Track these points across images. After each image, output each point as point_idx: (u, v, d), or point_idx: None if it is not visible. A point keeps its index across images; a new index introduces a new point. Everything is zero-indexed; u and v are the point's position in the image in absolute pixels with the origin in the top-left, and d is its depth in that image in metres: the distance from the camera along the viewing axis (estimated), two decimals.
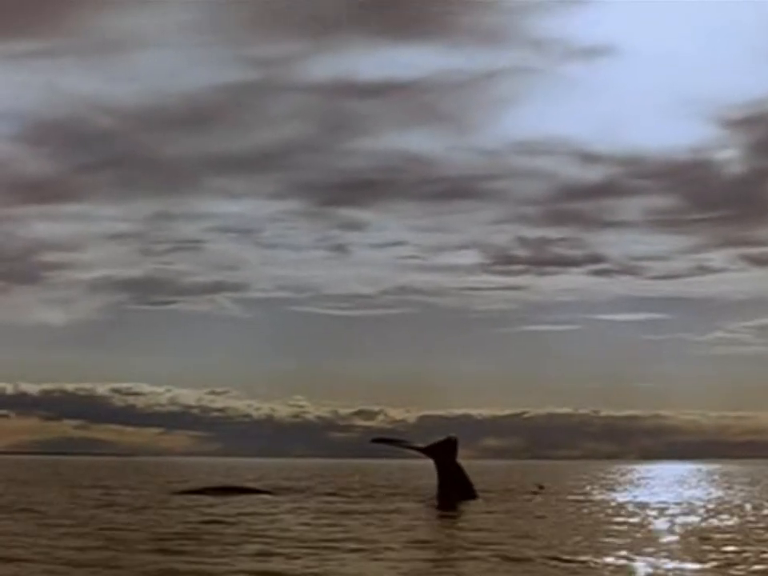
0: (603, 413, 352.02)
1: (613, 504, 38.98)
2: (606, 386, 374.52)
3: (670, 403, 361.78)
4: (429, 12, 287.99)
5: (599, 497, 45.29)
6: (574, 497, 44.61)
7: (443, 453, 41.78)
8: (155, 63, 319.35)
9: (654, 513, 32.94)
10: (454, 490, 41.34)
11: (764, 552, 20.42)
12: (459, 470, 42.03)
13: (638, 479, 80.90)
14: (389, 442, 45.67)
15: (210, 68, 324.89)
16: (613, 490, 54.75)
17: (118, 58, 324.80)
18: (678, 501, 41.64)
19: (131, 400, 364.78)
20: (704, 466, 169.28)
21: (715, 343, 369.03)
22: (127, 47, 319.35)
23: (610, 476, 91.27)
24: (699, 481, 76.50)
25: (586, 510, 34.31)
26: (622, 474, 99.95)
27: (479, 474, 78.76)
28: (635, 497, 45.47)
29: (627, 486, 61.16)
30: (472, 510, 34.12)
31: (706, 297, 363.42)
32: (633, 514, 32.15)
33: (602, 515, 31.92)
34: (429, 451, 42.38)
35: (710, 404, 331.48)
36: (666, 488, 58.91)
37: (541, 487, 53.11)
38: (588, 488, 56.15)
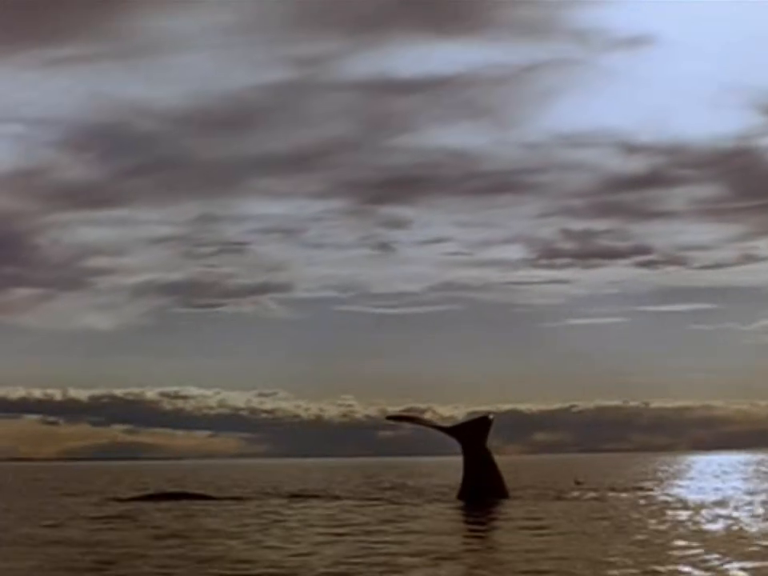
0: (653, 405, 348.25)
1: (671, 501, 36.15)
2: (655, 377, 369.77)
3: (720, 393, 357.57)
4: (469, 6, 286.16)
5: (654, 493, 42.50)
6: (625, 494, 41.73)
7: (471, 434, 37.80)
8: (196, 65, 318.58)
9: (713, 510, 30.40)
10: (482, 484, 37.80)
11: None
12: (489, 459, 38.10)
13: (692, 471, 78.28)
14: (406, 419, 42.01)
15: (251, 68, 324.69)
16: (668, 484, 52.04)
17: (159, 61, 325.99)
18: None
19: (180, 404, 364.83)
20: (755, 456, 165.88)
21: (763, 332, 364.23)
22: (168, 50, 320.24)
23: (663, 468, 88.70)
24: (756, 472, 73.64)
25: (636, 515, 31.26)
26: (672, 467, 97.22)
27: (516, 472, 76.37)
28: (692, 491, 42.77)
29: (683, 480, 58.55)
30: (502, 514, 31.46)
31: (753, 285, 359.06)
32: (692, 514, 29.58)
33: (658, 516, 29.29)
34: (455, 432, 38.51)
35: (760, 393, 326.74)
36: (720, 481, 56.26)
37: (578, 482, 50.67)
38: (642, 483, 53.34)
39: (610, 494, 41.08)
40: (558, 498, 38.17)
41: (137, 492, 45.91)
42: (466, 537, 23.54)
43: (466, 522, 28.94)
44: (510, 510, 32.20)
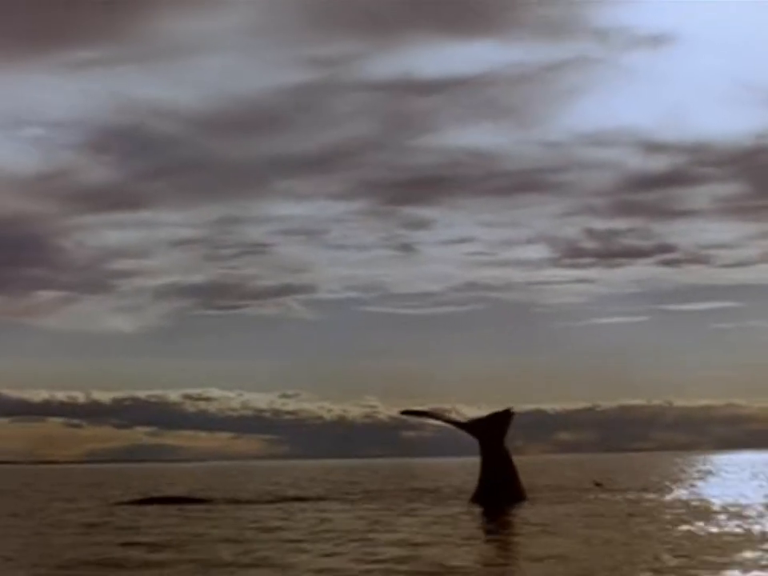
0: (676, 403, 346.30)
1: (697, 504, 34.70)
2: (678, 376, 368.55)
3: (744, 392, 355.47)
4: (489, 6, 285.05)
5: (673, 495, 41.19)
6: (645, 495, 40.44)
7: (490, 430, 36.24)
8: (217, 67, 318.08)
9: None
10: (499, 486, 36.32)
11: None
12: (507, 458, 36.66)
13: (715, 471, 76.90)
14: (422, 414, 40.13)
15: (272, 70, 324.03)
16: (690, 485, 50.72)
17: (179, 63, 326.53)
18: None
19: (203, 405, 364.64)
20: None
21: None
22: (189, 52, 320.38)
23: (685, 467, 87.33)
24: None
25: (667, 519, 29.91)
26: (696, 466, 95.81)
27: (536, 472, 75.20)
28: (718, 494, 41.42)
29: (705, 480, 57.23)
30: (521, 518, 30.18)
31: None
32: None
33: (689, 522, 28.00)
34: (473, 427, 36.93)
35: None
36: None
37: (598, 484, 49.36)
38: (663, 484, 52.06)
39: (630, 495, 39.78)
40: (576, 500, 36.76)
41: (139, 495, 44.85)
42: (459, 546, 21.94)
43: (468, 528, 27.20)
44: (524, 513, 31.02)
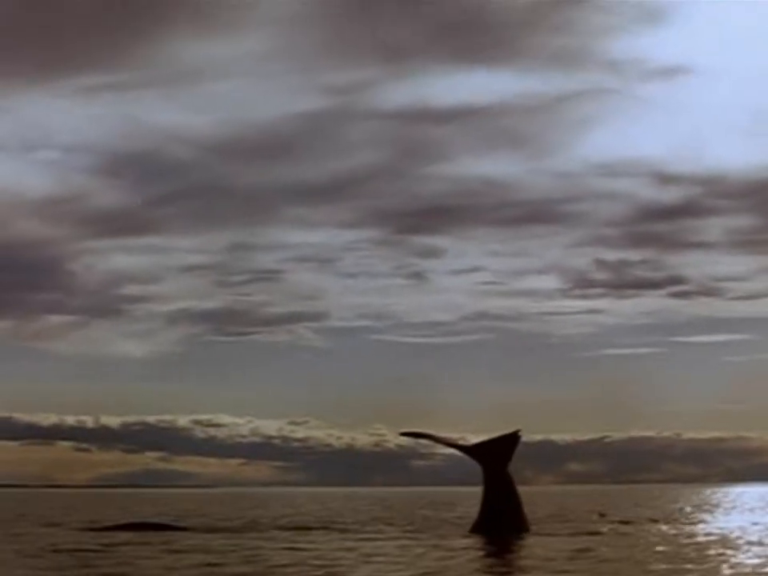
0: (686, 435, 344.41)
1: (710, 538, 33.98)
2: (688, 408, 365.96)
3: (754, 425, 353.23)
4: (503, 36, 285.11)
5: (678, 527, 40.54)
6: (648, 528, 39.85)
7: (495, 454, 35.04)
8: (230, 93, 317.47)
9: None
10: (501, 515, 35.12)
11: None
12: (510, 484, 35.40)
13: (723, 503, 76.16)
14: (422, 436, 38.72)
15: (286, 96, 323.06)
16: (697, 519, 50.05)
17: (193, 88, 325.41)
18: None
19: (212, 431, 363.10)
20: None
21: None
22: (202, 78, 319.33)
23: (692, 500, 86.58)
24: None
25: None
26: (703, 498, 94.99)
27: (542, 503, 74.52)
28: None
29: (712, 513, 56.58)
30: (520, 552, 29.60)
31: None
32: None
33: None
34: (476, 451, 35.70)
35: None
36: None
37: (602, 515, 48.86)
38: (668, 516, 51.35)
39: (631, 528, 39.20)
40: (579, 533, 35.93)
41: (124, 521, 44.35)
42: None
43: (458, 562, 26.22)
44: (525, 545, 30.47)
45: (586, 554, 26.30)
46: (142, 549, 29.50)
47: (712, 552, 26.77)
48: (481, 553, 28.64)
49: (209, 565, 24.62)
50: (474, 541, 32.28)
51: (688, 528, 38.64)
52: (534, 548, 29.52)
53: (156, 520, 44.99)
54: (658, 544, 30.05)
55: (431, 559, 25.86)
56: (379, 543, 31.29)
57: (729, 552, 26.76)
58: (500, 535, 33.80)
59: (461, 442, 37.14)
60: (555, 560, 24.98)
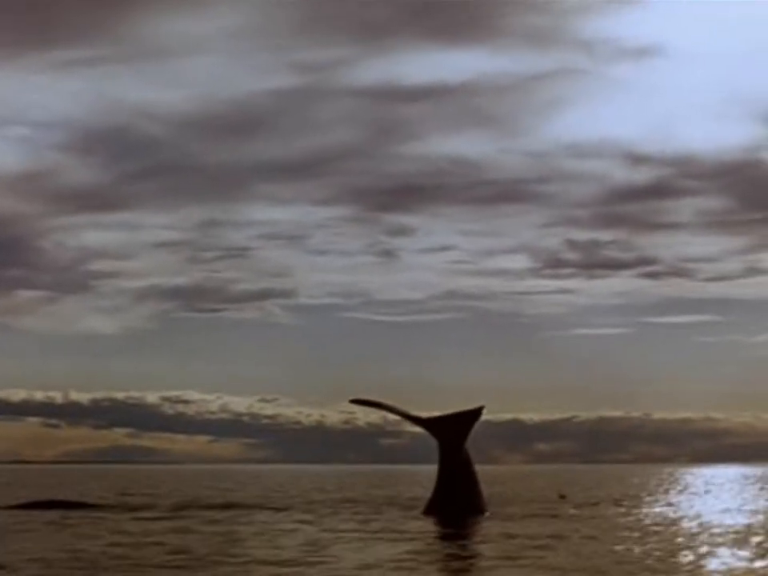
0: (655, 416, 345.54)
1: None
2: (658, 388, 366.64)
3: (723, 405, 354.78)
4: (476, 15, 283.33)
5: (634, 510, 39.61)
6: (606, 510, 38.94)
7: (453, 430, 34.00)
8: (203, 70, 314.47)
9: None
10: (455, 496, 33.93)
11: None
12: (467, 463, 34.25)
13: (684, 485, 75.55)
14: (375, 405, 37.38)
15: (258, 74, 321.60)
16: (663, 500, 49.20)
17: (165, 65, 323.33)
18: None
19: (181, 408, 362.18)
20: (757, 470, 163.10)
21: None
22: (175, 54, 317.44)
23: (656, 481, 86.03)
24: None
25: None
26: (667, 479, 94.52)
27: (504, 483, 73.84)
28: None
29: (669, 495, 55.82)
30: (478, 541, 28.47)
31: (758, 298, 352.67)
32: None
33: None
34: (431, 425, 34.59)
35: (764, 406, 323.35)
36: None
37: (562, 497, 47.99)
38: (627, 498, 50.50)
39: (589, 509, 38.33)
40: (536, 515, 34.87)
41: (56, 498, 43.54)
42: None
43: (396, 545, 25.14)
44: (475, 530, 29.45)
45: (535, 540, 25.20)
46: (36, 527, 29.23)
47: (656, 537, 25.95)
48: (424, 540, 27.21)
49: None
50: (423, 524, 31.12)
51: (644, 511, 37.76)
52: (482, 533, 28.44)
53: (62, 497, 44.20)
54: (612, 527, 29.16)
55: (367, 546, 24.48)
56: (329, 523, 30.21)
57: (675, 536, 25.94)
58: (453, 517, 32.72)
59: (416, 414, 36.08)
60: (499, 548, 23.63)
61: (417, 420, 35.55)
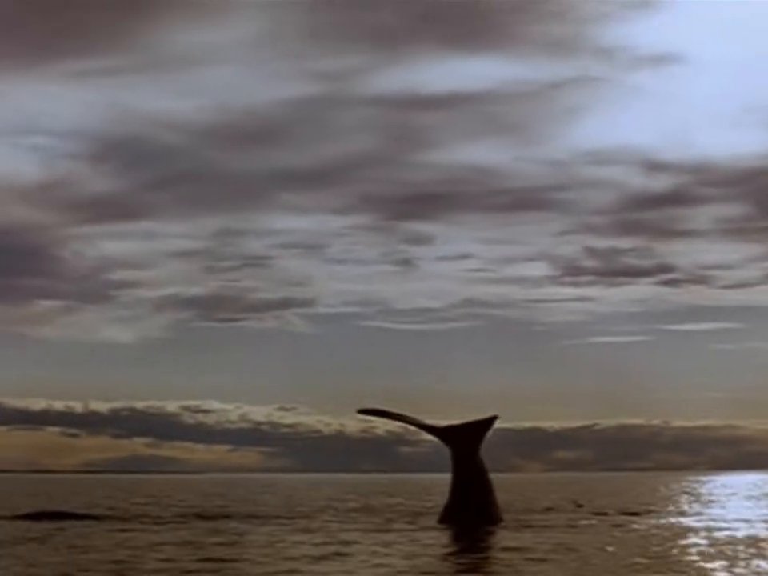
0: (674, 423, 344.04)
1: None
2: (677, 396, 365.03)
3: (743, 413, 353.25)
4: (494, 22, 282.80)
5: (650, 519, 39.05)
6: (623, 519, 38.39)
7: (467, 438, 33.55)
8: (219, 78, 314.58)
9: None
10: (470, 504, 33.45)
11: None
12: (482, 471, 33.79)
13: (705, 493, 74.88)
14: (382, 414, 36.74)
15: (275, 82, 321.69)
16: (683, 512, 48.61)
17: (182, 74, 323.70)
18: None
19: (201, 417, 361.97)
20: None
21: None
22: (192, 63, 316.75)
23: (675, 489, 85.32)
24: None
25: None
26: (689, 488, 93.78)
27: (520, 492, 73.37)
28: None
29: (688, 504, 55.21)
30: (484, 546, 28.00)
31: None
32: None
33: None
34: (443, 433, 34.18)
35: None
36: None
37: (579, 505, 47.52)
38: (645, 507, 49.86)
39: (605, 518, 37.79)
40: (550, 526, 34.18)
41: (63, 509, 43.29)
42: None
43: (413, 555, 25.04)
44: (491, 540, 29.00)
45: (551, 553, 24.80)
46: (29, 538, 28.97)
47: (678, 547, 25.47)
48: (440, 549, 26.97)
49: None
50: (438, 534, 30.74)
51: (661, 521, 37.21)
52: (497, 543, 28.02)
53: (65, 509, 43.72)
54: (627, 537, 28.71)
55: (382, 555, 24.16)
56: (316, 535, 29.60)
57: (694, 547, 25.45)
58: (467, 527, 32.32)
59: (427, 423, 35.64)
60: (514, 560, 23.36)
61: (429, 428, 35.18)
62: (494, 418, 34.41)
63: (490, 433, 34.55)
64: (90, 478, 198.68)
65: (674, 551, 24.54)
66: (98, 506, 49.34)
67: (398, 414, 36.34)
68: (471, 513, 33.79)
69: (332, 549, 25.36)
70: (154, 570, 21.10)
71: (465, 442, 33.88)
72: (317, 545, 26.57)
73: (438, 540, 28.92)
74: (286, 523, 35.40)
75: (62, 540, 28.50)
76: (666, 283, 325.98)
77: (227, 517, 39.58)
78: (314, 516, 40.04)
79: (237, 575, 20.26)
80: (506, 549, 25.56)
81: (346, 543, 27.02)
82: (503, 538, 29.16)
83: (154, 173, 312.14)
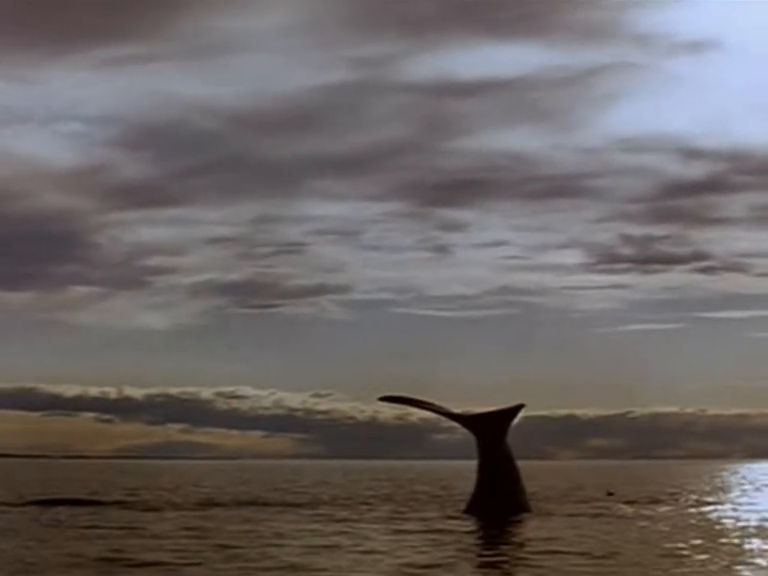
0: (710, 412, 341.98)
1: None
2: (712, 384, 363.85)
3: None
4: (530, 9, 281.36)
5: (683, 508, 37.97)
6: (653, 508, 37.34)
7: (494, 427, 32.77)
8: (255, 66, 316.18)
9: None
10: (496, 493, 32.54)
11: None
12: (509, 459, 32.83)
13: (739, 482, 73.59)
14: (405, 401, 35.84)
15: (311, 69, 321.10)
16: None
17: (218, 61, 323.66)
18: None
19: (235, 403, 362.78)
20: None
21: None
22: (227, 50, 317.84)
23: (709, 477, 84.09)
24: None
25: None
26: (722, 476, 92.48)
27: (551, 479, 72.45)
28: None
29: (721, 493, 53.99)
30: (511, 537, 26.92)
31: None
32: None
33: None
34: (468, 421, 33.42)
35: None
36: None
37: (610, 494, 46.45)
38: (678, 496, 48.71)
39: (635, 507, 36.73)
40: (579, 514, 33.29)
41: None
42: None
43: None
44: (520, 530, 27.96)
45: (575, 545, 23.71)
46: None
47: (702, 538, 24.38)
48: (459, 540, 25.84)
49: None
50: (460, 523, 29.67)
51: (690, 510, 36.07)
52: (522, 533, 26.99)
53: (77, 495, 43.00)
54: (658, 527, 27.64)
55: (397, 547, 23.10)
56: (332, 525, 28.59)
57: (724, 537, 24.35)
58: (493, 516, 31.29)
59: (451, 410, 34.67)
60: (534, 551, 22.25)
61: (453, 416, 34.21)
62: (519, 407, 33.55)
63: (515, 421, 33.59)
64: (122, 464, 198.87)
65: (704, 540, 23.42)
66: (114, 492, 48.62)
67: (420, 401, 35.33)
68: (498, 501, 32.87)
69: (341, 539, 24.33)
70: (143, 560, 20.24)
71: (491, 430, 33.00)
72: (326, 535, 25.55)
73: (460, 529, 27.84)
74: (306, 511, 34.50)
75: (58, 527, 28.02)
76: (702, 271, 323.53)
77: (249, 503, 38.72)
78: (336, 503, 39.14)
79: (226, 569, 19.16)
80: (527, 540, 24.49)
81: (359, 533, 26.11)
82: (527, 527, 28.19)
83: (190, 159, 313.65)
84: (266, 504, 38.75)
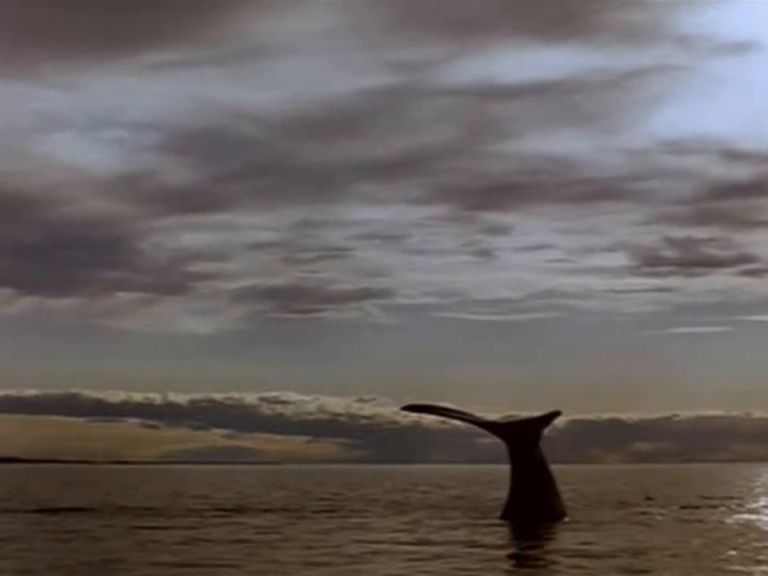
0: (756, 415, 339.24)
1: None
2: (758, 387, 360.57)
3: None
4: (572, 11, 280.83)
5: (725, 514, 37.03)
6: (693, 512, 36.51)
7: (521, 432, 32.03)
8: (298, 70, 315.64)
9: None
10: (530, 499, 31.76)
11: None
12: (542, 465, 32.09)
13: None
14: (430, 410, 34.56)
15: (354, 73, 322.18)
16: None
17: (261, 65, 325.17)
18: None
19: (279, 408, 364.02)
20: None
21: None
22: (270, 55, 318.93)
23: (755, 481, 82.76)
24: None
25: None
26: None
27: (591, 483, 71.48)
28: None
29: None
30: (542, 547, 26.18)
31: None
32: None
33: None
34: (498, 429, 32.63)
35: None
36: None
37: (649, 498, 45.60)
38: (722, 500, 47.56)
39: (675, 513, 35.92)
40: (615, 521, 32.27)
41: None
42: None
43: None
44: (553, 539, 27.25)
45: (606, 558, 22.93)
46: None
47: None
48: (493, 543, 25.26)
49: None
50: (493, 530, 28.84)
51: (733, 516, 35.11)
52: (546, 544, 26.17)
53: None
54: (694, 534, 26.79)
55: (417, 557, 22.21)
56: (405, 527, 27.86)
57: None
58: (527, 524, 30.56)
59: (480, 418, 33.92)
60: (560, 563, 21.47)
61: (482, 424, 33.40)
62: (555, 414, 32.73)
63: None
64: (166, 469, 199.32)
65: (738, 551, 22.63)
66: (137, 498, 48.32)
67: (445, 409, 34.49)
68: (532, 508, 32.09)
69: (362, 549, 23.47)
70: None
71: (523, 439, 32.14)
72: (365, 542, 24.91)
73: (492, 537, 27.11)
74: (331, 517, 33.90)
75: (56, 536, 27.54)
76: (747, 273, 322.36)
77: (270, 510, 38.08)
78: (368, 510, 38.47)
79: None
80: (553, 551, 23.71)
81: (391, 541, 25.44)
82: (559, 537, 27.41)
83: (233, 164, 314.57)
84: (295, 509, 38.34)
